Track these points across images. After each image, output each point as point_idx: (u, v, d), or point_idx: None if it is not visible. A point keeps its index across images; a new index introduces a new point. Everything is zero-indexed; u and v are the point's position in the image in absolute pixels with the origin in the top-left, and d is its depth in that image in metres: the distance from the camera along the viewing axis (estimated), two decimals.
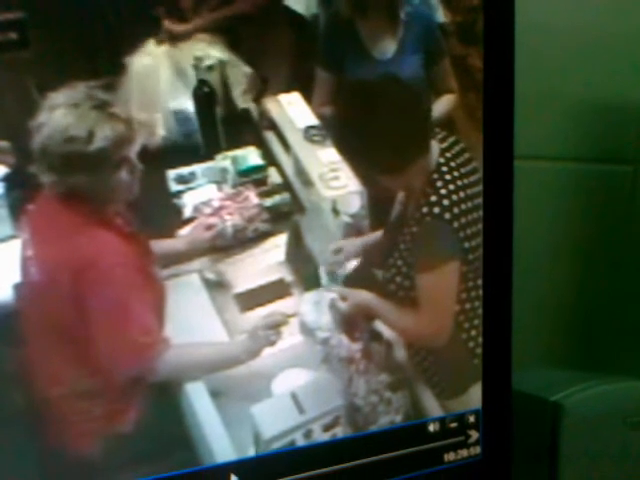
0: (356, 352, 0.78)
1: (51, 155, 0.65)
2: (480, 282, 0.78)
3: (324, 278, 0.82)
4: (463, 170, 0.76)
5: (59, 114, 0.64)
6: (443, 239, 0.76)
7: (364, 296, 0.79)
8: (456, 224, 0.75)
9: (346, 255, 0.82)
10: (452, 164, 0.76)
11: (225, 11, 0.74)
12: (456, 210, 0.75)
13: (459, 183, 0.76)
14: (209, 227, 0.81)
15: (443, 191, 0.75)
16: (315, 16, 0.74)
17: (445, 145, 0.77)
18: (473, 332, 0.79)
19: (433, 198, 0.75)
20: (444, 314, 0.78)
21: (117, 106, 0.67)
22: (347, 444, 0.75)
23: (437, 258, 0.76)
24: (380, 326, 0.79)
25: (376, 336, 0.79)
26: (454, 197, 0.75)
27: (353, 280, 0.81)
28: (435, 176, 0.75)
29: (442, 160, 0.76)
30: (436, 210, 0.74)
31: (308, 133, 0.83)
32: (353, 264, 0.82)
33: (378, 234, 0.81)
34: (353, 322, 0.79)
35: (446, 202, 0.74)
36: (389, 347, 0.78)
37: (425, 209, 0.75)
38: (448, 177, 0.75)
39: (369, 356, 0.78)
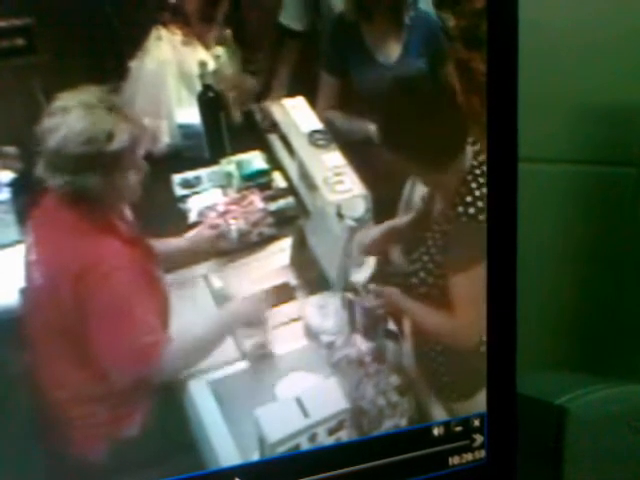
0: (367, 355, 0.78)
1: (65, 156, 0.65)
2: None
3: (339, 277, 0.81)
4: None
5: (75, 116, 0.64)
6: (477, 240, 0.76)
7: (392, 292, 0.79)
8: None
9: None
10: (484, 167, 0.77)
11: (230, 16, 0.74)
12: None
13: None
14: (213, 226, 0.81)
15: (477, 192, 0.76)
16: (314, 30, 0.75)
17: (477, 148, 0.78)
18: None
19: (468, 199, 0.75)
20: (478, 315, 0.78)
21: (127, 109, 0.67)
22: (352, 448, 0.75)
23: (472, 259, 0.77)
24: (394, 327, 0.79)
25: (389, 337, 0.79)
26: None
27: (376, 277, 0.81)
28: (469, 177, 0.76)
29: (475, 163, 0.77)
30: (471, 211, 0.75)
31: (312, 137, 0.83)
32: (375, 260, 0.82)
33: (403, 224, 0.82)
34: (371, 322, 0.79)
35: (480, 204, 0.75)
36: (400, 349, 0.78)
37: (460, 208, 0.76)
38: (482, 180, 0.76)
39: (380, 358, 0.78)
